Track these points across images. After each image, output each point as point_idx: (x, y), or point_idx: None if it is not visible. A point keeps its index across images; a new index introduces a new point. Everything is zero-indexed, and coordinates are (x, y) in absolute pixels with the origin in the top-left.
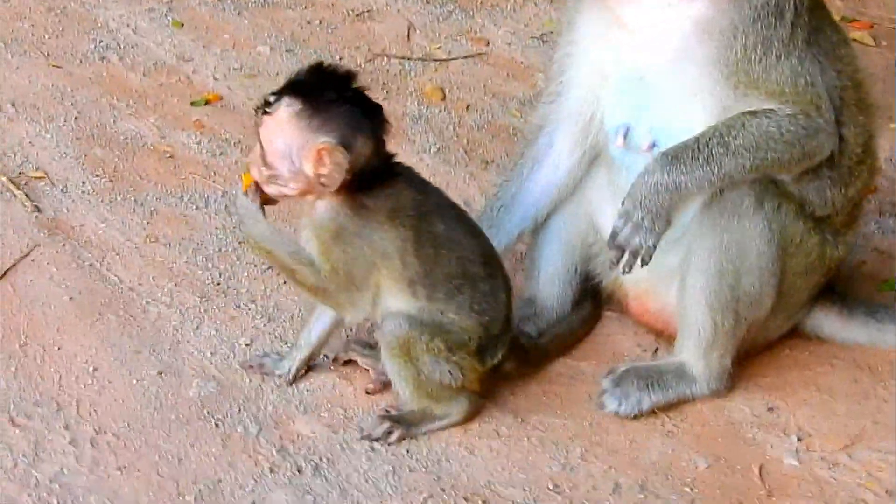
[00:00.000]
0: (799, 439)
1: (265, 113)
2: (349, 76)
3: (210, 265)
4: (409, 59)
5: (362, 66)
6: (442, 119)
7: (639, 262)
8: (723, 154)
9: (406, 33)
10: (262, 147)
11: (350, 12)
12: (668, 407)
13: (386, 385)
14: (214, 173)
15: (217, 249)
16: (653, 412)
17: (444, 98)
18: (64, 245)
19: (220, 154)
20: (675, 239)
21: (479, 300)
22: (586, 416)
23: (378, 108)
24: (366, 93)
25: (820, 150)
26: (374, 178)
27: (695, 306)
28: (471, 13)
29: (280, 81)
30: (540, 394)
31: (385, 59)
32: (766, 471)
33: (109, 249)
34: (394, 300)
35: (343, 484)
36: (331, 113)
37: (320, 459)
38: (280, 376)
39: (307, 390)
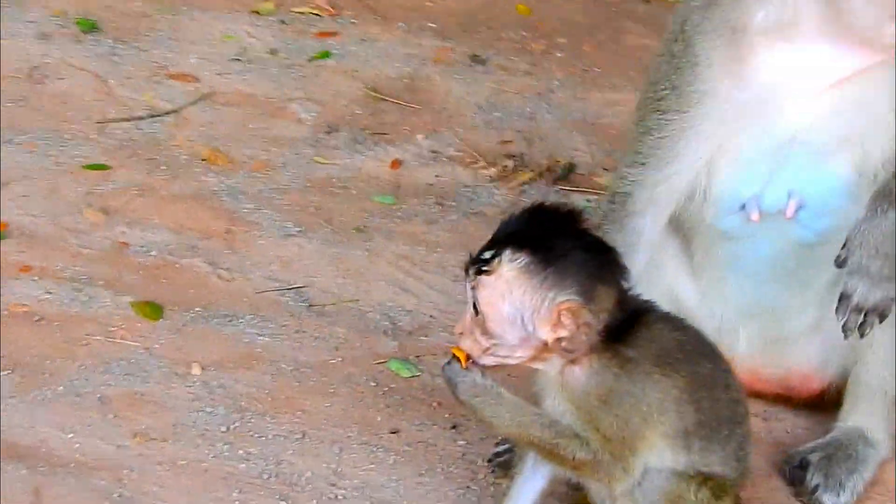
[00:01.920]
0: None
1: (480, 272)
2: (574, 216)
3: None
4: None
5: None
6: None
7: (877, 319)
8: None
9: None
10: (476, 313)
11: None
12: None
13: None
14: None
15: None
16: None
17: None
18: None
19: None
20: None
21: (743, 444)
22: None
23: (611, 249)
24: (593, 233)
25: None
26: (626, 325)
27: (882, 364)
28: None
29: None
30: None
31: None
32: None
33: None
34: (661, 456)
35: None
36: (565, 264)
37: None
38: None
39: None
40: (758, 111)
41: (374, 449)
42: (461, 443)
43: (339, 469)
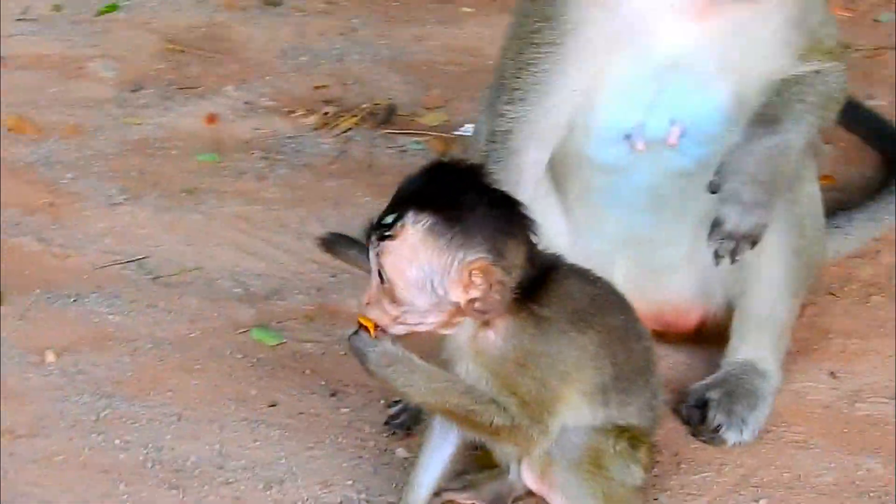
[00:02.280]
0: None
1: (383, 238)
2: (475, 171)
3: None
4: None
5: None
6: None
7: (748, 246)
8: (806, 111)
9: None
10: (382, 281)
11: None
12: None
13: None
14: None
15: None
16: None
17: None
18: None
19: None
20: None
21: (656, 392)
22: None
23: (518, 203)
24: (498, 187)
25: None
26: (537, 282)
27: (770, 295)
28: None
29: None
30: None
31: None
32: None
33: None
34: (579, 414)
35: None
36: (472, 221)
37: None
38: None
39: None
40: (631, 38)
41: (256, 425)
42: (344, 410)
43: (224, 450)
